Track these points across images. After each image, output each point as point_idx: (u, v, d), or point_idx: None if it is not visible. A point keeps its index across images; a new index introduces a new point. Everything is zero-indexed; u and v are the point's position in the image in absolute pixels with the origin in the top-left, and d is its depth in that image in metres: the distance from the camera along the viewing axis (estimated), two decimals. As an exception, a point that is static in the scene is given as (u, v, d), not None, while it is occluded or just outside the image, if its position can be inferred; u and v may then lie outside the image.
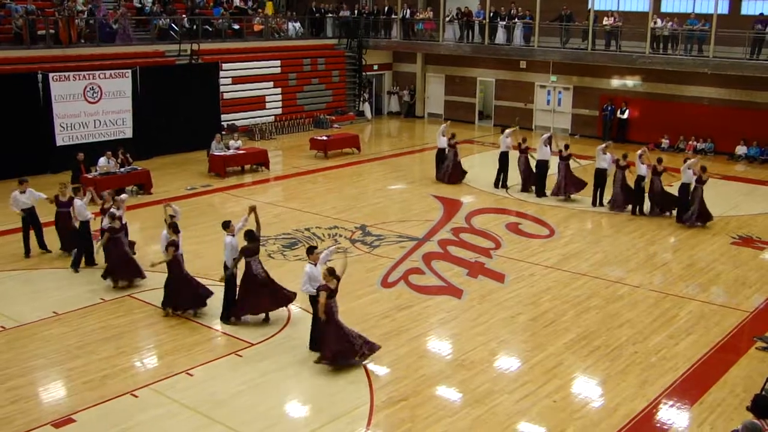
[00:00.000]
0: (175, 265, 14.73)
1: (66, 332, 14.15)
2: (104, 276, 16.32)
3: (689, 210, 21.10)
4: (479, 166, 26.10)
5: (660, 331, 14.54)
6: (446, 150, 25.74)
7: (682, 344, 14.03)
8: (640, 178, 21.91)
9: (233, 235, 14.47)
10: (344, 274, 13.14)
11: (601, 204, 22.87)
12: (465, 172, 25.87)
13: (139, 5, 32.74)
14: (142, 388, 12.17)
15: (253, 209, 14.82)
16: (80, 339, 13.87)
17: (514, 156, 24.72)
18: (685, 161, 21.81)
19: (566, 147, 23.68)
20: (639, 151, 22.25)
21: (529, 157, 24.35)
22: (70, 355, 13.27)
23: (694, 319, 15.17)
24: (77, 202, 17.35)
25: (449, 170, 25.55)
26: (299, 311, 15.04)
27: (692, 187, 21.07)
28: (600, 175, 22.87)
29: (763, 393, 11.31)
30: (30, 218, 18.16)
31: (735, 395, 12.21)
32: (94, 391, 12.04)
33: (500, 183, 24.93)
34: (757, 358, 13.58)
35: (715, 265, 18.34)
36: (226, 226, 14.52)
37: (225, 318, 14.64)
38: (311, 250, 13.53)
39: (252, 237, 14.27)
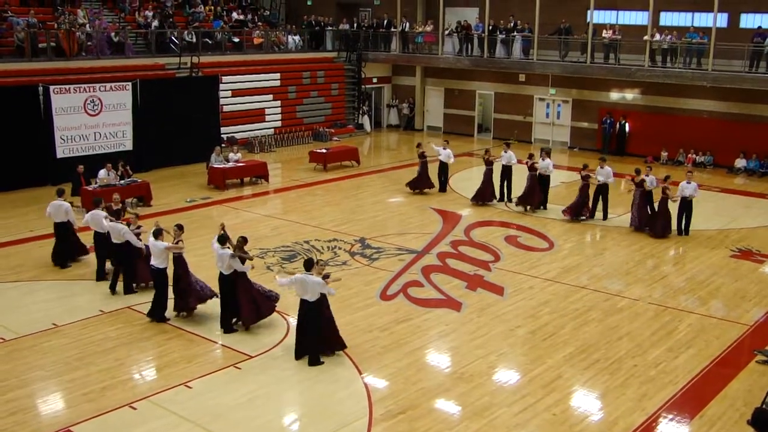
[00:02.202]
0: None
1: (65, 344, 14.14)
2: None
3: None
4: (477, 179, 26.06)
5: (659, 345, 14.53)
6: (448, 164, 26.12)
7: (682, 357, 14.02)
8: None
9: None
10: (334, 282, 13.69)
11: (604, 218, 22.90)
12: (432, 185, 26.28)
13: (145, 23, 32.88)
14: (140, 400, 12.15)
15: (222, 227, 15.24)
16: (79, 351, 13.86)
17: (517, 169, 24.81)
18: (688, 174, 21.90)
19: (530, 156, 24.08)
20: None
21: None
22: (69, 367, 13.26)
23: (694, 332, 15.16)
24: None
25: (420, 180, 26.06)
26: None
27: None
28: (600, 190, 22.89)
29: (764, 407, 11.32)
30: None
31: (735, 409, 12.18)
32: (93, 403, 12.02)
33: (504, 196, 24.94)
34: (758, 372, 13.56)
35: (714, 278, 18.34)
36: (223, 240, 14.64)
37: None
38: (311, 264, 13.52)
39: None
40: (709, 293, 17.38)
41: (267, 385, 12.73)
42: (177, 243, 15.04)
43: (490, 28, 35.04)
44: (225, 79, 32.40)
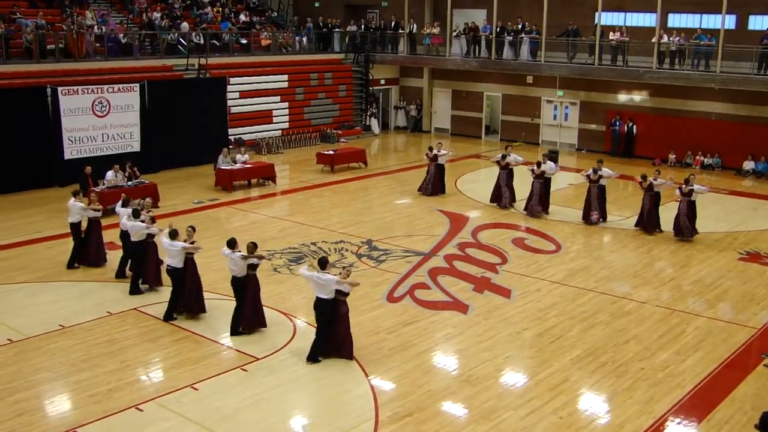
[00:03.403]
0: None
1: (72, 345, 14.16)
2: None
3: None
4: (485, 181, 26.05)
5: (667, 348, 14.48)
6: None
7: (690, 361, 13.96)
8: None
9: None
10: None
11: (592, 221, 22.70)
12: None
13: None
14: (147, 401, 12.16)
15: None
16: (86, 352, 13.88)
17: (519, 173, 24.71)
18: (691, 177, 21.71)
19: (539, 165, 23.56)
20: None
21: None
22: (75, 369, 13.28)
23: (702, 335, 15.10)
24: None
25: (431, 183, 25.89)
26: (304, 326, 15.04)
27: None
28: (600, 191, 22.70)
29: (771, 410, 11.26)
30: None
31: (743, 413, 12.13)
32: (99, 405, 12.04)
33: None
34: (766, 375, 13.50)
35: (722, 281, 18.27)
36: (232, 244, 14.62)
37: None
38: (324, 263, 13.61)
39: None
40: (716, 296, 17.31)
41: (273, 387, 12.72)
42: (193, 243, 15.19)
43: (498, 29, 35.01)
44: (233, 80, 32.42)
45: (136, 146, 27.67)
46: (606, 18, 33.08)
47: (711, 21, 31.35)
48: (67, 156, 25.97)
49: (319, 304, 13.50)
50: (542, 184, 23.58)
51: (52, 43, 28.51)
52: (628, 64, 31.78)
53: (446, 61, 37.01)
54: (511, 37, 34.70)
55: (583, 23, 33.41)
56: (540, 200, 23.56)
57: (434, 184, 25.86)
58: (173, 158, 28.62)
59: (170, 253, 15.15)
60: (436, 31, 37.50)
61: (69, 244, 18.72)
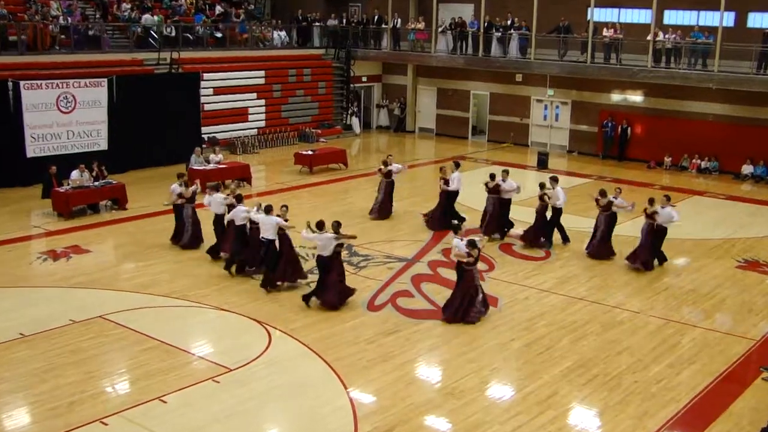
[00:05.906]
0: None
1: (33, 355, 14.02)
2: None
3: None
4: (471, 184, 25.98)
5: (661, 360, 14.52)
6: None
7: (685, 373, 14.00)
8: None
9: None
10: None
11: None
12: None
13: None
14: (112, 415, 12.04)
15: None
16: (48, 362, 13.75)
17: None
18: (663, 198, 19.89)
19: (492, 177, 22.26)
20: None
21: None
22: (36, 380, 13.14)
23: (698, 347, 15.15)
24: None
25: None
26: (279, 335, 15.00)
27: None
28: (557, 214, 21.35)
29: (770, 426, 11.31)
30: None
31: (740, 428, 12.18)
32: (61, 419, 11.91)
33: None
34: (764, 389, 13.56)
35: (719, 290, 18.35)
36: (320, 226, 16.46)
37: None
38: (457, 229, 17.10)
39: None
40: (713, 306, 17.39)
41: (247, 400, 12.65)
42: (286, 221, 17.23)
43: (486, 25, 35.08)
44: (207, 76, 32.33)
45: (103, 144, 27.50)
46: (599, 14, 33.23)
47: (709, 18, 31.54)
48: (30, 154, 25.77)
49: (320, 261, 16.24)
50: (499, 203, 21.95)
51: (14, 34, 28.30)
52: (622, 62, 31.93)
53: (431, 58, 37.05)
54: (500, 33, 34.80)
55: (575, 19, 33.53)
56: (497, 221, 21.97)
57: (384, 205, 23.80)
58: (143, 158, 28.43)
59: (266, 227, 17.12)
60: (421, 26, 37.56)
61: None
